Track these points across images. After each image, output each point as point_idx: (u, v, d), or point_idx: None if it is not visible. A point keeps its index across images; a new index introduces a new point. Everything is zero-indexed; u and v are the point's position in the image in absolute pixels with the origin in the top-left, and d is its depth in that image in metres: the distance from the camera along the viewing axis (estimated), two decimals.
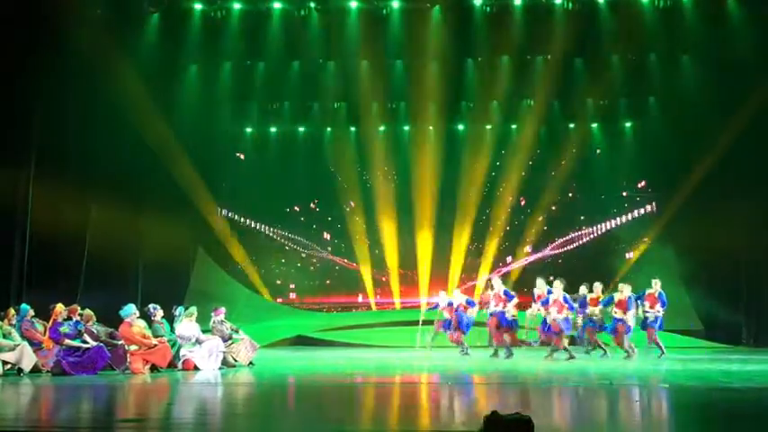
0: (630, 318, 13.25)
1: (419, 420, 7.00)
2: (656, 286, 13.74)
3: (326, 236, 22.27)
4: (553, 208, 21.77)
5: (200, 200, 19.58)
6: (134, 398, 8.87)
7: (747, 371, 11.07)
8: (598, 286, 14.02)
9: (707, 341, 17.61)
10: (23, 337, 10.88)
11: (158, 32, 16.61)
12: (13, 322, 11.02)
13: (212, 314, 12.26)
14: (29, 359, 10.54)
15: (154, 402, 8.58)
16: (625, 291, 13.47)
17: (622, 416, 7.30)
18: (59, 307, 10.84)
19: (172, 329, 11.75)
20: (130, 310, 11.20)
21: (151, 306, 11.86)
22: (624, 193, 21.82)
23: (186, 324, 11.55)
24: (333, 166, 21.52)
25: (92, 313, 11.22)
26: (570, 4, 16.51)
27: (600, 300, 13.77)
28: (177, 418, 7.12)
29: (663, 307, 13.59)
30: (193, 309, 11.89)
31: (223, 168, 21.05)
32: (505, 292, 13.66)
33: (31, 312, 11.29)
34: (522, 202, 21.89)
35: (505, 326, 13.40)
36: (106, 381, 10.08)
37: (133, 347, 11.03)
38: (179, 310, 11.81)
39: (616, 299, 13.47)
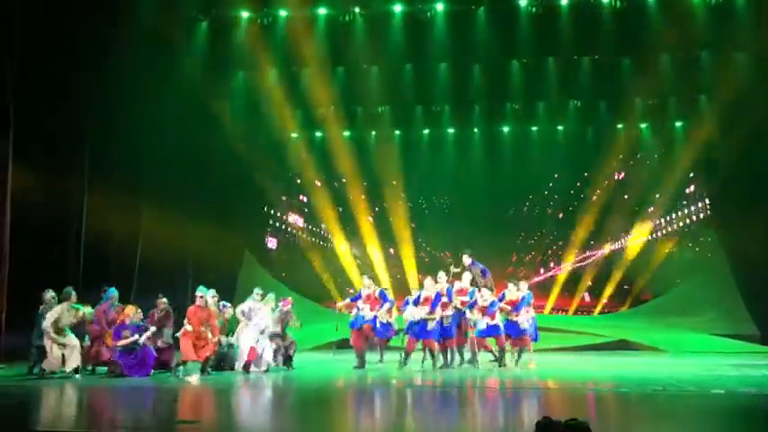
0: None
1: (461, 427, 6.97)
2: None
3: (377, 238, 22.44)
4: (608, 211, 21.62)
5: (248, 203, 19.89)
6: (189, 401, 9.03)
7: None
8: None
9: (763, 346, 17.09)
10: (94, 319, 11.15)
11: (206, 40, 16.92)
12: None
13: (280, 304, 12.31)
14: (74, 360, 10.75)
15: (207, 406, 8.71)
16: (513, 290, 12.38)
17: (676, 422, 7.15)
18: (129, 308, 11.12)
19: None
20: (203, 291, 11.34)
21: (221, 303, 12.09)
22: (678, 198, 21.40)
23: (263, 311, 11.71)
24: (377, 169, 21.65)
25: (134, 308, 11.32)
26: (618, 3, 16.21)
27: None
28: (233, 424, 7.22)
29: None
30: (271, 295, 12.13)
31: (270, 173, 21.35)
32: (381, 294, 12.31)
33: (116, 298, 11.60)
34: (561, 215, 21.71)
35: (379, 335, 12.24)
36: (156, 383, 10.28)
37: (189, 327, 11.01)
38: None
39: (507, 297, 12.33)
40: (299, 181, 22.76)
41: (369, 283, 12.53)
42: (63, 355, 10.64)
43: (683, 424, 7.10)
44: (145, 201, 16.17)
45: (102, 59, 14.65)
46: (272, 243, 22.35)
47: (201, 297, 11.25)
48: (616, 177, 21.18)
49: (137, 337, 10.86)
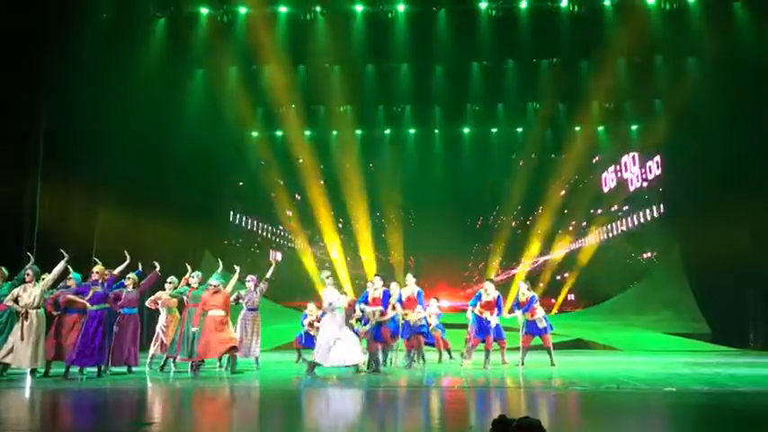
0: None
1: (422, 426, 7.00)
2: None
3: (335, 239, 22.40)
4: (565, 211, 21.88)
5: (206, 204, 19.65)
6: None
7: (755, 374, 11.04)
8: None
9: (714, 345, 17.54)
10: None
11: (165, 37, 16.70)
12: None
13: (249, 282, 12.19)
14: (22, 355, 10.20)
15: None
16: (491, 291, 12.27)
17: (629, 420, 7.29)
18: (98, 267, 10.85)
19: None
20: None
21: (195, 273, 11.96)
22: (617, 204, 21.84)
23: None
24: (338, 168, 21.63)
25: (102, 267, 11.05)
26: (576, 7, 16.52)
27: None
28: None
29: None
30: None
31: (230, 173, 21.15)
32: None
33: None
34: (514, 223, 21.97)
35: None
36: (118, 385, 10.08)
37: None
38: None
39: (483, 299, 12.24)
40: (259, 180, 22.55)
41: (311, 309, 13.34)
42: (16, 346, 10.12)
43: (635, 421, 7.24)
44: (101, 197, 15.88)
45: (60, 53, 14.33)
46: (278, 256, 22.27)
47: (216, 286, 11.15)
48: (572, 181, 21.53)
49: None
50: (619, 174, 22.01)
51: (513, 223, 22.15)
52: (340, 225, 22.51)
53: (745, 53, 15.82)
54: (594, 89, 18.47)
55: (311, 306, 13.71)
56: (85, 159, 15.20)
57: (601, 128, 20.99)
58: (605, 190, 22.29)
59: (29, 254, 11.54)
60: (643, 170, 21.29)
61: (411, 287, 12.15)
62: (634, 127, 20.79)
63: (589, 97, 19.08)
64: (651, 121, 19.90)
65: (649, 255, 21.43)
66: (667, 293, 19.63)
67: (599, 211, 22.44)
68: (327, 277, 11.29)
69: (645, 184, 21.06)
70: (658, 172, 20.70)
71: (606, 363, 13.51)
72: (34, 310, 10.34)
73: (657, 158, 20.90)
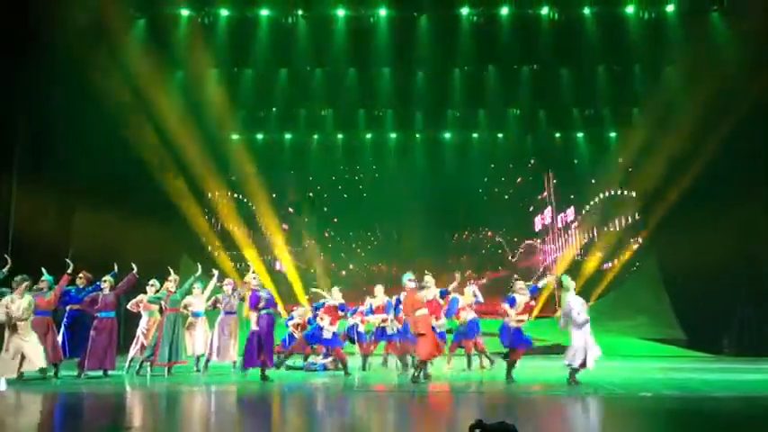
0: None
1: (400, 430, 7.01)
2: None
3: (312, 243, 22.32)
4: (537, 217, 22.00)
5: (185, 207, 19.48)
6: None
7: (727, 380, 11.18)
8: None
9: (689, 350, 17.74)
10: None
11: (144, 38, 16.58)
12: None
13: (227, 286, 12.28)
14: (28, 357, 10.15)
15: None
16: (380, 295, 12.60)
17: (605, 424, 7.34)
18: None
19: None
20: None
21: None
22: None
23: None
24: (319, 173, 21.57)
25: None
26: (556, 15, 16.68)
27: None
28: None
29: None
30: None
31: (210, 175, 20.97)
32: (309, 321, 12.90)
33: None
34: (488, 233, 22.09)
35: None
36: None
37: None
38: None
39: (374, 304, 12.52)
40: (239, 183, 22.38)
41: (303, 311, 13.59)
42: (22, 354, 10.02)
43: (611, 425, 7.29)
44: (77, 200, 15.70)
45: (37, 54, 14.16)
46: (282, 267, 22.16)
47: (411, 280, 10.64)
48: (550, 185, 21.71)
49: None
50: (543, 220, 22.81)
51: (489, 233, 22.23)
52: (326, 235, 22.43)
53: (723, 61, 16.04)
54: (574, 96, 18.62)
55: (302, 309, 13.76)
56: (62, 161, 15.04)
57: (580, 134, 21.13)
58: (537, 229, 22.81)
59: (5, 256, 11.36)
60: (563, 216, 22.37)
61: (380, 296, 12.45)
62: (612, 134, 20.96)
63: (569, 104, 19.21)
64: (628, 129, 20.06)
65: (626, 262, 21.58)
66: (643, 299, 19.79)
67: (572, 216, 22.60)
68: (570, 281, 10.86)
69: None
70: (572, 218, 22.10)
71: None
72: (22, 323, 10.14)
73: (571, 209, 22.09)
